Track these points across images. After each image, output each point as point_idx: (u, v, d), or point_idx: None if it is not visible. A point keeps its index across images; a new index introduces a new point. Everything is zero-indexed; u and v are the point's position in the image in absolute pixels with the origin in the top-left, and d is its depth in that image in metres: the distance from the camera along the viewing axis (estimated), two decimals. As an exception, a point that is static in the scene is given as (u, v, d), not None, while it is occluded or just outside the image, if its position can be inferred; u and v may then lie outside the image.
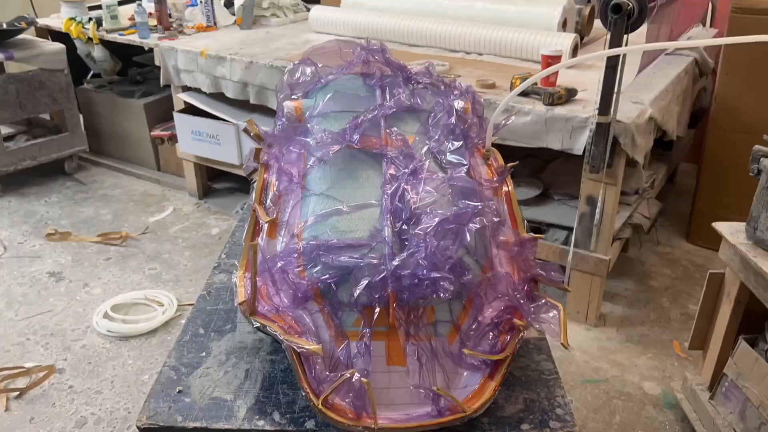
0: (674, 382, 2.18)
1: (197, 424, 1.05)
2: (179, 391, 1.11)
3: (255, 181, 1.28)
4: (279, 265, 1.08)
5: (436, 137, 1.23)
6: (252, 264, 1.08)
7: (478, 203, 1.12)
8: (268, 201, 1.20)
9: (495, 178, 1.30)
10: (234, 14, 3.72)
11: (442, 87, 1.38)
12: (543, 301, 1.11)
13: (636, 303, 2.67)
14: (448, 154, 1.21)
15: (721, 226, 1.78)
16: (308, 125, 1.27)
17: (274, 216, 1.18)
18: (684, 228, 3.20)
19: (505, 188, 1.29)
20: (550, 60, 2.44)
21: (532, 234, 1.21)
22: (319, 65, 1.39)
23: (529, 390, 1.11)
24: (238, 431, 1.04)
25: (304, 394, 0.98)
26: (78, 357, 2.32)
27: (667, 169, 3.19)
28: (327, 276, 1.04)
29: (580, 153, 2.24)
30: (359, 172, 1.18)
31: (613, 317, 2.57)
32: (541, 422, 1.04)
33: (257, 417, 1.06)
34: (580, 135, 2.22)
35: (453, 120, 1.26)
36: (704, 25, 3.53)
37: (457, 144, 1.23)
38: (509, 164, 1.34)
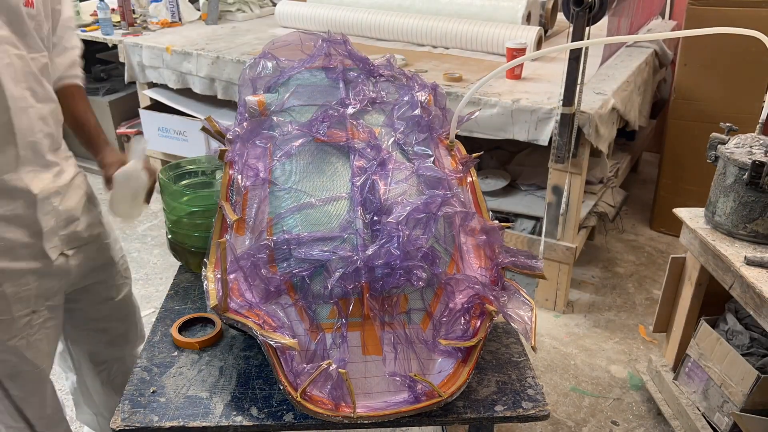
0: (640, 365, 2.24)
1: (174, 423, 1.04)
2: (153, 392, 1.10)
3: (220, 178, 1.27)
4: (250, 261, 1.08)
5: (402, 129, 1.25)
6: (221, 261, 1.07)
7: (447, 192, 1.14)
8: (235, 197, 1.19)
9: (459, 169, 1.32)
10: (199, 9, 3.68)
11: (404, 80, 1.39)
12: (514, 290, 1.13)
13: (602, 289, 2.73)
14: (414, 145, 1.23)
15: (681, 212, 1.83)
16: (273, 119, 1.27)
17: (242, 213, 1.17)
18: (647, 215, 3.29)
19: (469, 178, 1.31)
20: (515, 53, 2.47)
21: (497, 222, 1.23)
22: (281, 59, 1.37)
23: (501, 372, 1.14)
24: (216, 428, 1.04)
25: (281, 387, 0.98)
26: (47, 360, 2.28)
27: (631, 158, 3.26)
28: (300, 269, 1.05)
29: (546, 144, 2.28)
30: (327, 165, 1.19)
31: (581, 304, 2.63)
32: (514, 403, 1.07)
33: (234, 413, 1.06)
34: (545, 126, 2.26)
35: (418, 112, 1.27)
36: (663, 17, 3.61)
37: (423, 135, 1.25)
38: (473, 155, 1.36)
